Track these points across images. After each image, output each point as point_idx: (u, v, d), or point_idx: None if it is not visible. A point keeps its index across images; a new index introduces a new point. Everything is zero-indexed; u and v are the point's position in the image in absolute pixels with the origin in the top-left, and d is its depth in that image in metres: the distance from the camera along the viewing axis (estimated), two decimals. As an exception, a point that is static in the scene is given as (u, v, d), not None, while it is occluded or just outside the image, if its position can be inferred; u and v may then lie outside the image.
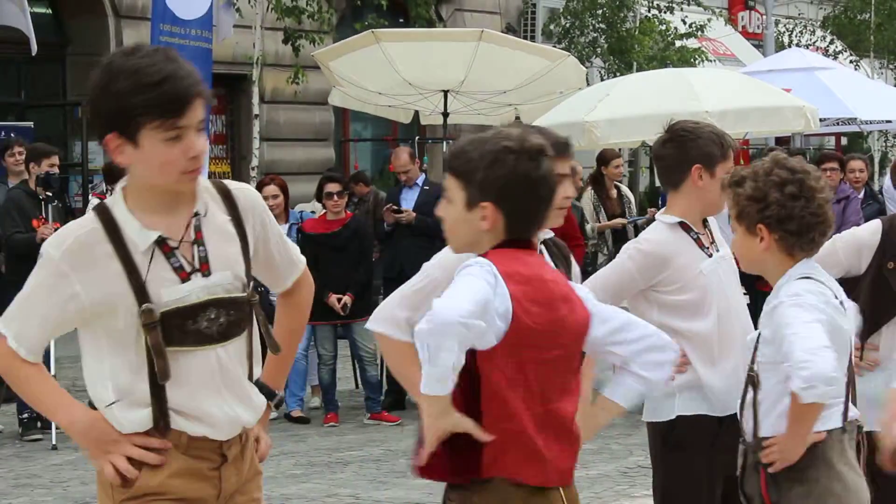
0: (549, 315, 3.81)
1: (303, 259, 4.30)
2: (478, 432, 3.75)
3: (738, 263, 5.14)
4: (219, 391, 3.93)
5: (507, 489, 3.78)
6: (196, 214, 3.94)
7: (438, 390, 3.63)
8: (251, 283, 4.04)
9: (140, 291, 3.82)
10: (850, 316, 4.65)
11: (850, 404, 4.61)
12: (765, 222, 4.52)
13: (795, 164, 4.56)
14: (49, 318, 3.89)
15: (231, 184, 4.12)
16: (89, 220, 3.89)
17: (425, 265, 4.67)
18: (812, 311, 4.41)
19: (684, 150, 5.49)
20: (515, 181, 3.80)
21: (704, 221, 5.60)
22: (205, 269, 3.91)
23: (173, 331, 3.85)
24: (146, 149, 3.79)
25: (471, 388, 3.76)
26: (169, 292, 3.85)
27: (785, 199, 4.48)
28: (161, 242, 3.87)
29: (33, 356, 3.93)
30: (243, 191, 4.10)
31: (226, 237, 3.98)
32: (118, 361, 3.87)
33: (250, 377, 4.04)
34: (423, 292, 4.53)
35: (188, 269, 3.89)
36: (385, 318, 4.59)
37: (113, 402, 3.88)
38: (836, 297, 4.56)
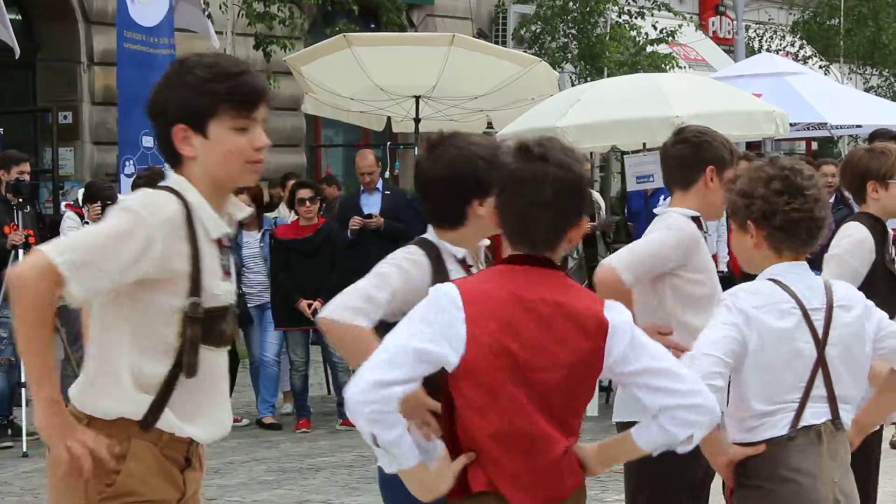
0: (533, 338, 3.68)
1: None
2: (460, 462, 3.70)
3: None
4: (219, 393, 4.00)
5: None
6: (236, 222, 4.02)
7: (395, 467, 3.64)
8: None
9: (195, 280, 3.83)
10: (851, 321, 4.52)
11: (812, 410, 4.46)
12: (751, 218, 4.48)
13: (786, 162, 4.53)
14: (123, 264, 3.72)
15: None
16: (173, 200, 3.84)
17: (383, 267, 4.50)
18: (733, 314, 4.38)
19: (700, 150, 5.62)
20: (506, 175, 3.79)
21: None
22: (227, 274, 3.97)
23: (212, 328, 3.86)
24: (215, 138, 3.84)
25: (447, 408, 3.73)
26: (214, 285, 3.88)
27: (769, 194, 4.43)
28: (220, 237, 3.94)
29: (84, 292, 3.71)
30: None
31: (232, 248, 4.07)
32: (146, 340, 3.83)
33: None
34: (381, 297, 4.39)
35: (228, 268, 3.96)
36: (335, 307, 4.38)
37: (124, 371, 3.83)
38: (797, 303, 4.44)
